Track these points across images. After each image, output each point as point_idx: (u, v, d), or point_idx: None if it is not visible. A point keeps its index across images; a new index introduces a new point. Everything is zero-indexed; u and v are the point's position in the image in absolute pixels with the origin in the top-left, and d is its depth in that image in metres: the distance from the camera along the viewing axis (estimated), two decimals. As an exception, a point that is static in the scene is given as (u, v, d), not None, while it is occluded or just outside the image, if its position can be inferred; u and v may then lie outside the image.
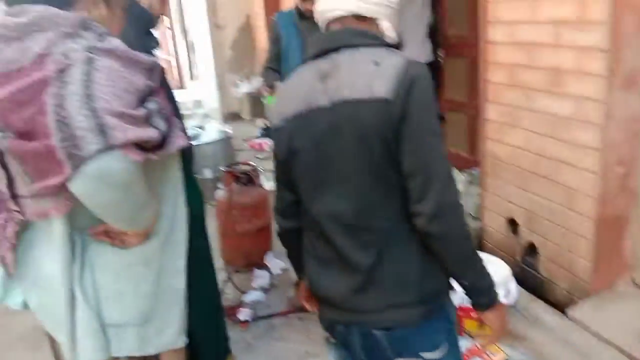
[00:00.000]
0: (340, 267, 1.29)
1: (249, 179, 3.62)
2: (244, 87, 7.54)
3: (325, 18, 1.30)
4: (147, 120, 1.19)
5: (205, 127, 5.21)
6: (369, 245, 1.24)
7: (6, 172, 1.25)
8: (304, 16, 3.16)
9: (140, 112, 1.18)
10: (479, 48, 2.95)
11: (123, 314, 1.34)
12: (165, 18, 6.11)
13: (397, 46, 1.27)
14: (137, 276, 1.33)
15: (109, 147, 1.09)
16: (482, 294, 1.26)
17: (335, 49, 1.24)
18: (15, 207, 1.26)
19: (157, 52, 1.97)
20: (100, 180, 1.10)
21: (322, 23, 1.32)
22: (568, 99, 2.40)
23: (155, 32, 2.05)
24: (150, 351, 1.40)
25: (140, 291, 1.34)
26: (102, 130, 1.08)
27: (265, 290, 3.30)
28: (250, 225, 3.52)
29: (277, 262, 3.61)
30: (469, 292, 1.26)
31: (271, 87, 3.26)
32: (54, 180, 1.12)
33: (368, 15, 1.26)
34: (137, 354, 1.38)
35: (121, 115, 1.12)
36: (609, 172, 2.33)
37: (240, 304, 3.13)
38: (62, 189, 1.14)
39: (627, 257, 2.53)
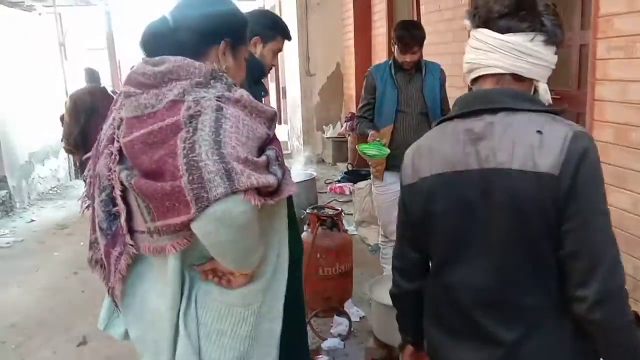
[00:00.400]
0: (477, 340, 1.21)
1: (333, 222, 3.64)
2: (329, 132, 7.69)
3: (477, 72, 1.21)
4: (267, 167, 1.25)
5: (291, 169, 5.32)
6: (514, 322, 1.16)
7: (127, 208, 1.33)
8: (401, 68, 3.25)
9: (262, 159, 1.24)
10: (587, 105, 2.85)
11: (221, 354, 1.35)
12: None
13: (557, 112, 1.18)
14: (237, 317, 1.35)
15: (234, 191, 1.13)
16: None
17: (492, 110, 1.17)
18: (130, 242, 1.32)
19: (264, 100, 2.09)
20: (221, 221, 1.15)
21: (470, 75, 1.24)
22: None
23: (267, 81, 2.20)
24: None
25: (239, 332, 1.35)
26: (229, 175, 1.14)
27: (343, 337, 3.25)
28: (333, 269, 3.51)
29: (357, 310, 3.56)
30: None
31: (364, 136, 3.32)
32: (177, 219, 1.17)
33: (528, 76, 1.19)
34: None
35: (245, 162, 1.18)
36: None
37: (319, 350, 3.10)
38: (183, 227, 1.20)
39: None
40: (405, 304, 1.45)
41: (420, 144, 1.30)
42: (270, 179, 1.20)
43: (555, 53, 1.19)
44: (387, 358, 2.93)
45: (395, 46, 3.23)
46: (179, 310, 1.34)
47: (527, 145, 1.10)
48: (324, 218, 3.61)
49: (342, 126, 7.82)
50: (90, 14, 13.33)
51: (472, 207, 1.16)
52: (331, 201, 4.69)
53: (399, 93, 3.26)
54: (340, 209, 3.78)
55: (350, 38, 7.79)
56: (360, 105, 3.46)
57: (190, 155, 1.16)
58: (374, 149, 3.19)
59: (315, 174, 5.40)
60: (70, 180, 9.43)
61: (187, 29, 1.35)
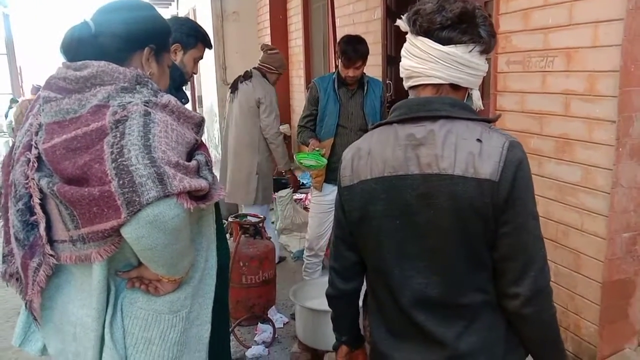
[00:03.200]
0: (420, 341, 1.24)
1: (256, 230, 3.66)
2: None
3: (418, 80, 1.24)
4: (197, 172, 1.26)
5: (211, 178, 5.26)
6: (454, 321, 1.21)
7: (46, 216, 1.28)
8: (344, 83, 3.34)
9: (193, 163, 1.25)
10: (489, 115, 3.09)
11: None
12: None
13: (491, 120, 1.23)
14: (165, 324, 1.34)
15: (166, 195, 1.14)
16: None
17: (432, 118, 1.19)
18: (50, 252, 1.28)
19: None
20: (153, 225, 1.14)
21: (410, 83, 1.26)
22: (576, 167, 2.51)
23: (185, 89, 2.20)
24: None
25: (167, 340, 1.34)
26: (161, 179, 1.14)
27: (267, 344, 3.27)
28: (256, 277, 3.52)
29: (280, 316, 3.59)
30: None
31: (304, 145, 3.39)
32: (107, 224, 1.16)
33: (465, 85, 1.23)
34: None
35: (177, 166, 1.19)
36: (616, 238, 2.40)
37: (243, 359, 3.09)
38: (112, 233, 1.18)
39: (635, 322, 2.56)
40: (341, 304, 1.46)
41: (359, 147, 1.31)
42: (202, 183, 1.22)
43: (487, 60, 1.25)
44: (312, 361, 2.99)
45: (340, 60, 3.30)
46: (104, 321, 1.31)
47: (468, 152, 1.13)
48: (247, 226, 3.61)
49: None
50: (-14, 17, 12.44)
51: (412, 210, 1.19)
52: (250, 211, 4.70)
53: (341, 108, 3.34)
54: (262, 216, 3.80)
55: (268, 48, 7.84)
56: (302, 115, 3.51)
57: (120, 160, 1.14)
58: (312, 160, 3.25)
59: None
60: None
61: (110, 34, 1.33)
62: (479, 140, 1.14)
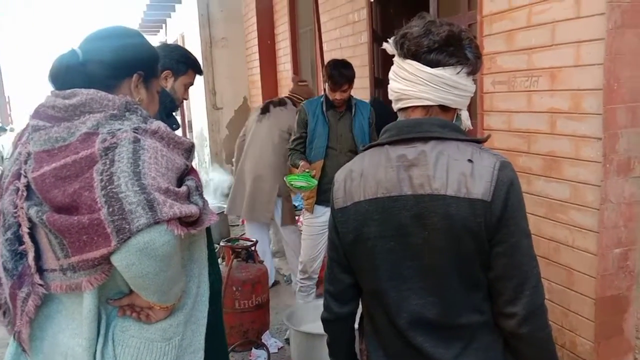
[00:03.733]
0: None
1: (248, 254, 3.64)
2: (238, 166, 7.67)
3: (407, 102, 1.25)
4: (187, 197, 1.26)
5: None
6: (452, 342, 1.21)
7: (35, 246, 1.28)
8: (332, 105, 3.39)
9: (183, 189, 1.25)
10: (477, 134, 3.12)
11: None
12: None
13: (481, 141, 1.25)
14: (157, 353, 1.32)
15: (156, 222, 1.14)
16: None
17: (423, 139, 1.20)
18: (40, 281, 1.27)
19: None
20: (143, 253, 1.14)
21: (400, 105, 1.28)
22: (565, 184, 2.53)
23: (175, 115, 2.21)
24: None
25: None
26: (151, 205, 1.14)
27: (262, 370, 3.23)
28: (249, 302, 3.49)
29: (275, 341, 3.55)
30: None
31: (295, 167, 3.41)
32: (96, 253, 1.15)
33: (454, 106, 1.25)
34: None
35: (167, 192, 1.19)
36: (607, 253, 2.41)
37: (238, 385, 3.05)
38: (102, 261, 1.17)
39: (630, 338, 2.56)
40: (337, 328, 1.45)
41: (351, 168, 1.31)
42: (192, 209, 1.22)
43: (474, 80, 1.27)
44: (307, 386, 2.95)
45: (327, 84, 3.35)
46: (95, 350, 1.29)
47: (460, 173, 1.15)
48: (239, 250, 3.60)
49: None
50: (-25, 47, 12.49)
51: (406, 231, 1.19)
52: (243, 234, 4.68)
53: (330, 130, 3.38)
54: (255, 239, 3.79)
55: (257, 73, 7.90)
56: (292, 138, 3.55)
57: (109, 187, 1.14)
58: (302, 181, 3.26)
59: (225, 207, 5.36)
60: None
61: (98, 62, 1.34)
62: (470, 160, 1.16)
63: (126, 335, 1.32)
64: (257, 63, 7.80)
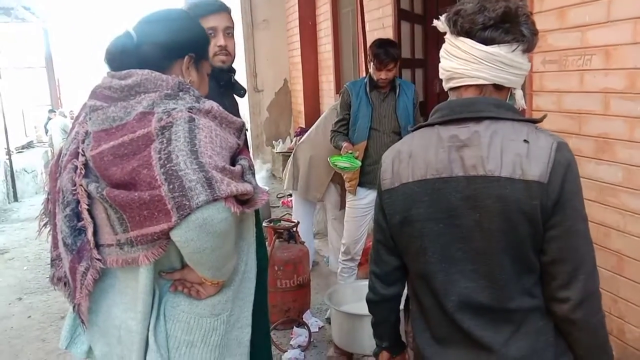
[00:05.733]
0: (466, 346, 1.22)
1: (290, 235, 3.68)
2: (279, 147, 7.73)
3: (460, 82, 1.21)
4: (242, 176, 1.28)
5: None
6: (502, 325, 1.19)
7: (93, 222, 1.32)
8: (375, 86, 3.36)
9: (237, 168, 1.28)
10: (526, 115, 3.04)
11: None
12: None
13: (537, 121, 1.20)
14: (207, 328, 1.37)
15: (215, 199, 1.16)
16: None
17: (476, 119, 1.17)
18: (98, 256, 1.32)
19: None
20: (202, 229, 1.17)
21: (451, 84, 1.24)
22: (617, 167, 2.44)
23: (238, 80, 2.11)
24: None
25: (209, 342, 1.37)
26: (209, 183, 1.17)
27: (303, 348, 3.28)
28: (291, 281, 3.54)
29: (316, 320, 3.60)
30: None
31: (338, 148, 3.40)
32: (157, 227, 1.19)
33: (508, 85, 1.21)
34: None
35: (223, 170, 1.21)
36: (661, 239, 2.33)
37: (280, 362, 3.11)
38: (161, 236, 1.21)
39: (683, 327, 2.48)
40: (383, 310, 1.44)
41: (399, 149, 1.28)
42: (247, 187, 1.24)
43: (529, 59, 1.22)
44: (347, 365, 2.98)
45: (372, 63, 3.32)
46: (149, 324, 1.34)
47: (515, 153, 1.12)
48: (281, 230, 3.64)
49: (291, 141, 7.88)
50: (27, 32, 12.90)
51: (457, 214, 1.17)
52: (284, 215, 4.73)
53: (373, 111, 3.34)
54: (296, 220, 3.82)
55: (297, 55, 7.90)
56: (335, 120, 3.54)
57: (168, 165, 1.17)
58: (346, 161, 3.25)
59: (267, 188, 5.42)
60: (9, 203, 9.01)
61: (151, 43, 1.37)
62: (525, 141, 1.13)
63: (177, 311, 1.36)
64: (297, 45, 7.78)
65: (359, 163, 3.28)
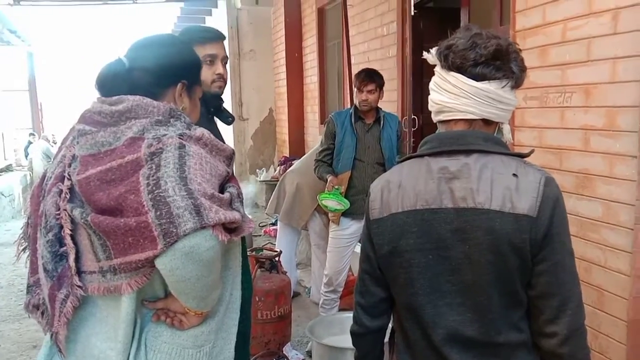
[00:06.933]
0: None
1: (272, 264, 3.64)
2: (262, 176, 7.73)
3: (450, 115, 1.22)
4: (230, 204, 1.27)
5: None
6: (488, 359, 1.19)
7: (75, 248, 1.29)
8: (360, 118, 3.42)
9: (226, 196, 1.26)
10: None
11: None
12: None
13: (525, 155, 1.21)
14: (189, 359, 1.33)
15: (202, 226, 1.14)
16: None
17: (466, 152, 1.18)
18: (79, 283, 1.28)
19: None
20: (188, 257, 1.15)
21: (441, 117, 1.25)
22: (597, 202, 2.48)
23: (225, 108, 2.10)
24: None
25: None
26: (197, 210, 1.15)
27: (283, 381, 3.21)
28: (272, 313, 3.48)
29: (296, 353, 3.53)
30: None
31: (322, 179, 3.42)
32: (142, 255, 1.16)
33: (497, 120, 1.22)
34: None
35: (212, 197, 1.20)
36: (641, 275, 2.35)
37: (259, 395, 3.03)
38: (145, 264, 1.18)
39: (663, 364, 2.48)
40: (367, 342, 1.42)
41: (389, 179, 1.28)
42: (235, 215, 1.22)
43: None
44: (329, 400, 2.92)
45: (355, 89, 3.40)
46: (129, 355, 1.30)
47: (505, 187, 1.12)
48: (263, 260, 3.60)
49: (275, 170, 7.89)
50: (10, 55, 12.83)
51: (446, 245, 1.17)
52: (267, 244, 4.68)
53: (357, 142, 3.39)
54: (279, 250, 3.79)
55: (283, 85, 7.99)
56: (320, 149, 3.56)
57: (157, 191, 1.16)
58: (334, 200, 3.28)
59: (249, 217, 5.38)
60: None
61: (143, 70, 1.36)
62: (515, 175, 1.14)
63: (158, 341, 1.32)
64: (283, 75, 7.88)
65: (349, 204, 3.30)
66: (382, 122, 3.42)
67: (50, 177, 1.36)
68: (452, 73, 1.20)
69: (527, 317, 1.19)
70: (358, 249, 1.46)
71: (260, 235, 6.36)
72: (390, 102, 4.57)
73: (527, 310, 1.19)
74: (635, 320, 2.38)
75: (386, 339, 1.45)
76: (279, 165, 7.80)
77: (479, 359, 1.19)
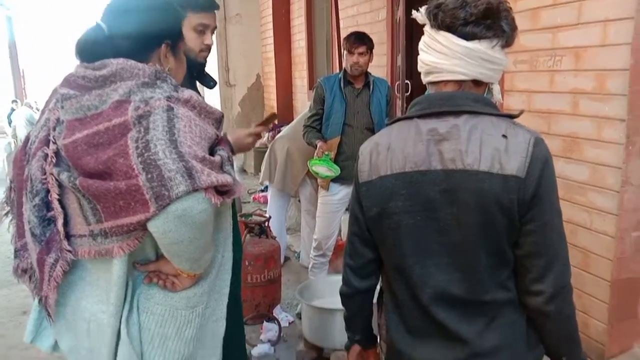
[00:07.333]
0: (440, 338, 1.23)
1: (261, 229, 3.66)
2: (250, 143, 7.67)
3: (439, 76, 1.21)
4: (221, 167, 1.26)
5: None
6: (476, 318, 1.20)
7: (63, 212, 1.28)
8: (349, 82, 3.38)
9: (217, 158, 1.25)
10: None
11: (166, 357, 1.33)
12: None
13: (514, 116, 1.20)
14: (181, 320, 1.34)
15: (195, 189, 1.14)
16: None
17: (455, 113, 1.17)
18: (68, 247, 1.27)
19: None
20: (181, 220, 1.14)
21: (430, 78, 1.23)
22: (585, 165, 2.51)
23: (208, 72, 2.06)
24: None
25: (183, 336, 1.34)
26: (189, 173, 1.14)
27: (273, 343, 3.26)
28: (262, 276, 3.52)
29: (286, 315, 3.58)
30: None
31: (311, 145, 3.40)
32: (133, 218, 1.15)
33: (487, 81, 1.21)
34: None
35: (203, 160, 1.18)
36: (626, 236, 2.40)
37: (249, 357, 3.08)
38: (137, 227, 1.17)
39: (644, 322, 2.56)
40: (356, 303, 1.44)
41: (377, 142, 1.28)
42: (227, 178, 1.22)
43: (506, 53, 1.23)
44: (317, 359, 2.98)
45: (345, 52, 3.35)
46: (121, 317, 1.31)
47: (494, 148, 1.12)
48: (252, 225, 3.61)
49: (263, 136, 7.84)
50: (-11, 19, 12.46)
51: (435, 207, 1.17)
52: (256, 210, 4.69)
53: (347, 107, 3.35)
54: (269, 215, 3.80)
55: (271, 50, 7.86)
56: (308, 115, 3.52)
57: (146, 155, 1.14)
58: (325, 166, 3.26)
59: (239, 181, 5.36)
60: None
61: (125, 37, 1.31)
62: (504, 136, 1.13)
63: (151, 303, 1.33)
64: (271, 40, 7.75)
65: (339, 170, 3.29)
66: (371, 87, 3.39)
67: (34, 141, 1.33)
68: (442, 32, 1.18)
69: (513, 276, 1.21)
70: (347, 216, 1.46)
71: (249, 202, 6.36)
72: (379, 67, 4.52)
73: (514, 269, 1.20)
74: (618, 280, 2.44)
75: (375, 300, 1.47)
76: (267, 132, 7.76)
77: (466, 317, 1.20)
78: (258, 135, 1.93)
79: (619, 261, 2.42)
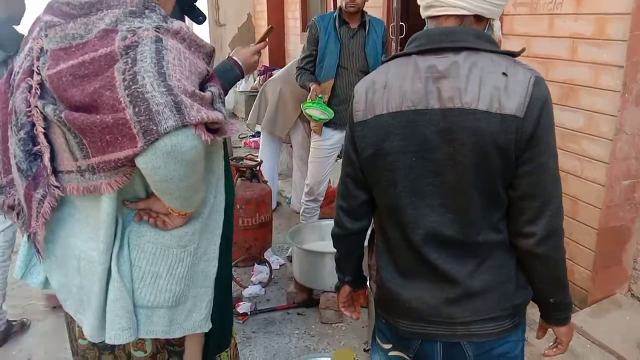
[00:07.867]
0: (430, 279, 1.24)
1: (252, 173, 3.65)
2: (241, 86, 7.54)
3: (441, 10, 1.17)
4: (212, 103, 1.21)
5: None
6: (467, 259, 1.21)
7: (50, 146, 1.24)
8: (345, 22, 3.25)
9: (207, 94, 1.19)
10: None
11: (156, 296, 1.33)
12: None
13: (516, 54, 1.17)
14: (173, 259, 1.33)
15: (184, 125, 1.09)
16: (565, 310, 1.29)
17: (455, 49, 1.13)
18: (56, 183, 1.24)
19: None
20: (170, 156, 1.10)
21: (431, 12, 1.19)
22: (580, 113, 2.49)
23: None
24: (177, 334, 1.39)
25: (175, 274, 1.33)
26: (178, 108, 1.09)
27: (264, 284, 3.32)
28: (253, 220, 3.54)
29: (277, 257, 3.63)
30: (553, 307, 1.29)
31: (304, 87, 3.32)
32: (120, 154, 1.11)
33: (488, 16, 1.17)
34: (164, 336, 1.37)
35: (193, 95, 1.13)
36: (615, 185, 2.41)
37: (240, 298, 3.14)
38: (125, 163, 1.14)
39: (627, 268, 2.62)
40: (348, 244, 1.44)
41: (374, 79, 1.23)
42: (218, 115, 1.17)
43: None
44: (307, 300, 3.05)
45: None
46: (111, 254, 1.29)
47: (493, 86, 1.09)
48: (244, 169, 3.59)
49: (255, 80, 7.70)
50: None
51: (431, 147, 1.15)
52: (247, 155, 4.66)
53: (341, 48, 3.24)
54: (260, 159, 3.78)
55: (263, -12, 7.61)
56: (301, 56, 3.41)
57: (134, 87, 1.09)
58: (318, 109, 3.20)
59: (231, 121, 5.30)
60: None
61: None
62: (504, 74, 1.10)
63: (142, 241, 1.32)
64: (263, -22, 7.48)
65: (332, 113, 3.23)
66: (367, 27, 3.28)
67: (18, 72, 1.28)
68: None
69: (505, 218, 1.21)
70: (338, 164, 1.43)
71: (240, 147, 6.32)
72: (375, 7, 4.39)
73: (507, 211, 1.20)
74: (605, 229, 2.48)
75: (366, 243, 1.47)
76: (258, 75, 7.60)
77: (457, 257, 1.21)
78: (259, 53, 1.98)
79: (608, 209, 2.45)
